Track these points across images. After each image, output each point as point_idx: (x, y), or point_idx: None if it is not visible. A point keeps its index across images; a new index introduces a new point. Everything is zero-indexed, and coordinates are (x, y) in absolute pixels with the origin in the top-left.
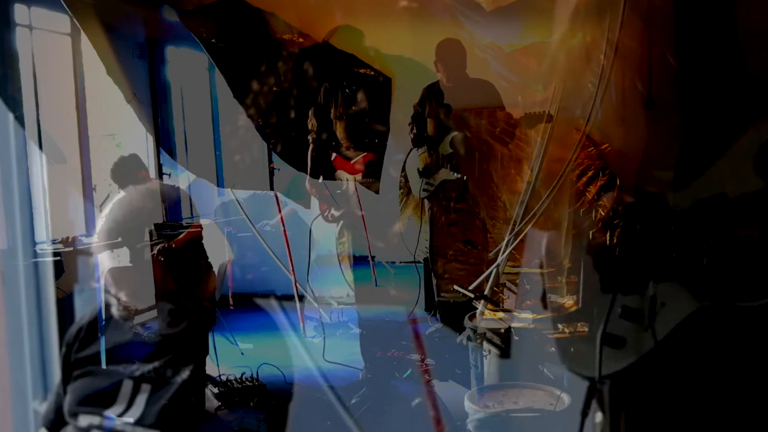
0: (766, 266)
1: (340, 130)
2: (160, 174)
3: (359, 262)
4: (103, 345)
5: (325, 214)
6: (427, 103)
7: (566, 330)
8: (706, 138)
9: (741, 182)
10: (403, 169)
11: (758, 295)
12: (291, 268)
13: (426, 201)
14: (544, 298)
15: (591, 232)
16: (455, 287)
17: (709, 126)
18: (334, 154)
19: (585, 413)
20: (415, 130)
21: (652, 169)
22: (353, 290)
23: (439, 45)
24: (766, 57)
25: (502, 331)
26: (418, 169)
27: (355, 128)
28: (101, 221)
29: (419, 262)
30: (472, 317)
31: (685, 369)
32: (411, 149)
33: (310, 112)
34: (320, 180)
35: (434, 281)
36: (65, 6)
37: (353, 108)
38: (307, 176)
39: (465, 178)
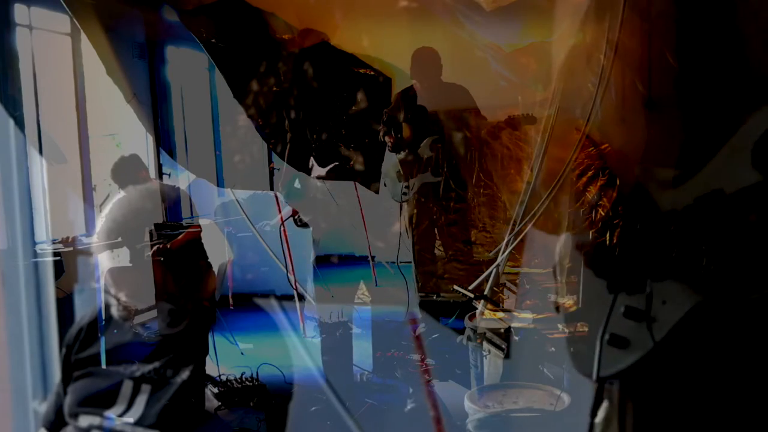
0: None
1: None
2: (160, 174)
3: (359, 262)
4: (103, 345)
5: (295, 218)
6: (402, 107)
7: (566, 330)
8: (706, 138)
9: (738, 177)
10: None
11: (759, 286)
12: (291, 268)
13: (405, 205)
14: (557, 308)
15: (591, 232)
16: (455, 287)
17: (709, 126)
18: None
19: (594, 414)
20: (392, 136)
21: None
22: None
23: (414, 54)
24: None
25: (502, 331)
26: (398, 173)
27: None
28: (101, 221)
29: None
30: (472, 317)
31: (690, 366)
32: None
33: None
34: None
35: (416, 283)
36: (65, 6)
37: (354, 108)
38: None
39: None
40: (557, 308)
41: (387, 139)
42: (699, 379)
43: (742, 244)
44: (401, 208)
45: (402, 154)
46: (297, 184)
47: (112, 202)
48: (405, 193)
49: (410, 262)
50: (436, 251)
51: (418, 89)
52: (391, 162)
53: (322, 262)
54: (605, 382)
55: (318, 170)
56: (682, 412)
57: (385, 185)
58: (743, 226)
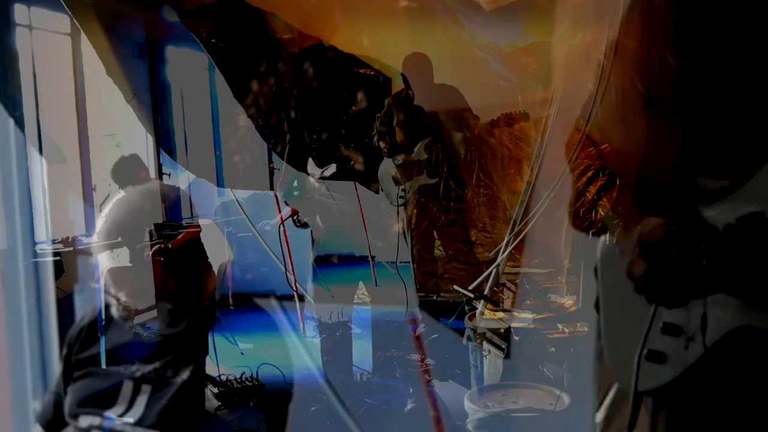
0: None
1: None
2: (160, 174)
3: (359, 262)
4: (103, 345)
5: (294, 218)
6: (395, 112)
7: (566, 330)
8: (706, 138)
9: None
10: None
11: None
12: (291, 268)
13: (402, 208)
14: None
15: (591, 233)
16: (455, 287)
17: (709, 126)
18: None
19: (632, 428)
20: (386, 141)
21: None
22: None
23: (405, 60)
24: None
25: (502, 331)
26: (393, 177)
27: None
28: (101, 221)
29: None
30: (472, 317)
31: (729, 383)
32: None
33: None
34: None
35: (415, 283)
36: (65, 6)
37: (354, 108)
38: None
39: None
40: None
41: (381, 144)
42: (741, 395)
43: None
44: (398, 211)
45: (398, 159)
46: (296, 185)
47: (112, 202)
48: (402, 197)
49: (409, 262)
50: (436, 251)
51: (411, 93)
52: (386, 166)
53: (322, 262)
54: (642, 396)
55: (316, 171)
56: (724, 426)
57: (382, 190)
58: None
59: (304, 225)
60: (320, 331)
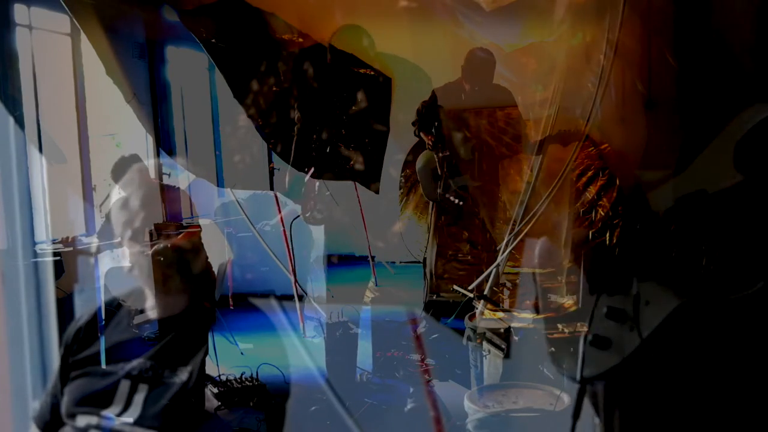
0: (757, 257)
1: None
2: (160, 174)
3: (359, 262)
4: (102, 345)
5: (307, 215)
6: (440, 107)
7: (566, 330)
8: (706, 138)
9: (720, 178)
10: (404, 170)
11: (749, 284)
12: (291, 268)
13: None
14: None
15: (590, 232)
16: (455, 287)
17: (709, 126)
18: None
19: (576, 416)
20: (431, 134)
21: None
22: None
23: (468, 56)
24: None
25: (502, 331)
26: (434, 170)
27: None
28: (102, 221)
29: (418, 262)
30: (472, 317)
31: (674, 366)
32: (411, 149)
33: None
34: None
35: (431, 281)
36: (65, 6)
37: (354, 108)
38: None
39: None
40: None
41: (423, 135)
42: (683, 380)
43: (723, 244)
44: (430, 206)
45: (442, 153)
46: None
47: (112, 202)
48: (443, 193)
49: (411, 262)
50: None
51: (466, 90)
52: (426, 158)
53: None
54: (588, 384)
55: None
56: (666, 414)
57: (406, 180)
58: (725, 226)
59: (316, 221)
60: (324, 330)
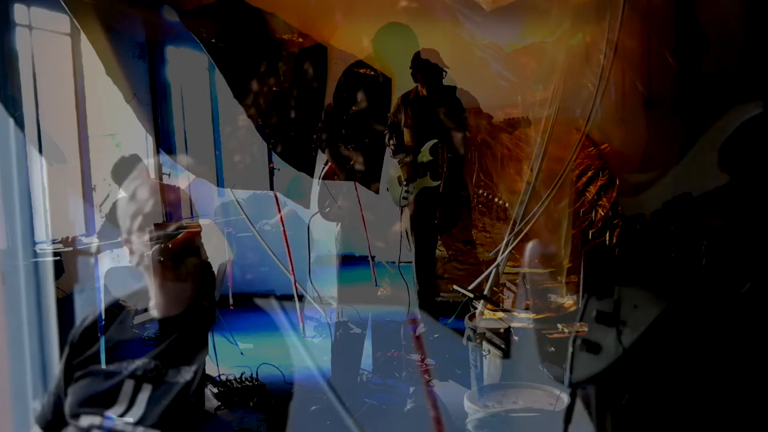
0: (744, 258)
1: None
2: (160, 174)
3: (359, 262)
4: (102, 345)
5: (326, 211)
6: (402, 112)
7: (566, 330)
8: (694, 140)
9: (706, 180)
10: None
11: (737, 285)
12: (291, 268)
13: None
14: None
15: (591, 233)
16: (455, 287)
17: (708, 126)
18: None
19: (568, 420)
20: (394, 140)
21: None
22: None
23: (415, 56)
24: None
25: (502, 331)
26: (398, 177)
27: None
28: (102, 221)
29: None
30: (472, 317)
31: (663, 369)
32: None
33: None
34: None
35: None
36: (65, 6)
37: (354, 108)
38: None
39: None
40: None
41: (390, 143)
42: (672, 382)
43: (711, 246)
44: (401, 212)
45: (404, 159)
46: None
47: (112, 202)
48: (405, 198)
49: (410, 263)
50: (437, 251)
51: (421, 92)
52: (392, 166)
53: (325, 262)
54: (578, 387)
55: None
56: (657, 415)
57: (387, 190)
58: (709, 229)
59: (339, 218)
60: (333, 331)
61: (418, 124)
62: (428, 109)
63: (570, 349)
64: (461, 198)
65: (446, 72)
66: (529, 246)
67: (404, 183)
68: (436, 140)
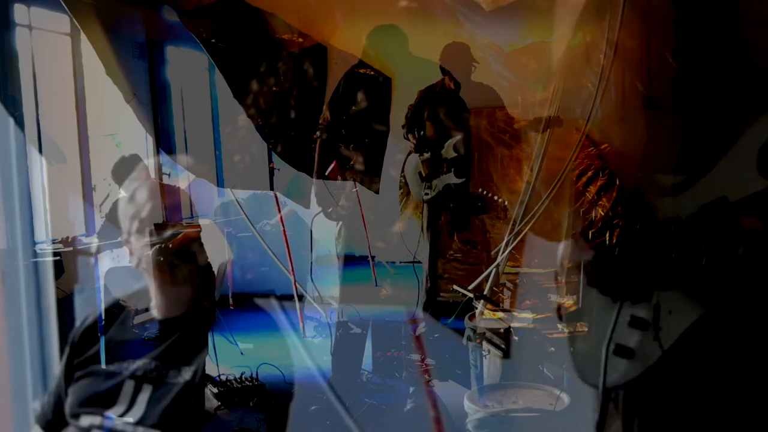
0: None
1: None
2: (160, 174)
3: (359, 262)
4: (102, 345)
5: (330, 211)
6: (425, 105)
7: (566, 330)
8: (706, 138)
9: (743, 183)
10: (402, 170)
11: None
12: (291, 268)
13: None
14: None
15: (590, 233)
16: (455, 287)
17: (709, 126)
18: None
19: (601, 426)
20: (415, 135)
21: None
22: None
23: (445, 50)
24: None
25: (502, 331)
26: (419, 173)
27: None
28: (102, 221)
29: (419, 262)
30: (472, 317)
31: (696, 376)
32: (409, 152)
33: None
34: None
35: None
36: (65, 6)
37: (354, 108)
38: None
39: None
40: (558, 310)
41: (410, 137)
42: (705, 389)
43: (747, 252)
44: (424, 208)
45: (425, 155)
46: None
47: (112, 202)
48: (427, 194)
49: (411, 263)
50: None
51: (448, 85)
52: (413, 161)
53: (325, 262)
54: (611, 393)
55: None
56: (687, 422)
57: (406, 185)
58: (748, 233)
59: (342, 217)
60: (333, 331)
61: (441, 118)
62: (454, 102)
63: (603, 355)
64: (476, 197)
65: (475, 66)
66: (562, 246)
67: (425, 179)
68: (460, 136)
